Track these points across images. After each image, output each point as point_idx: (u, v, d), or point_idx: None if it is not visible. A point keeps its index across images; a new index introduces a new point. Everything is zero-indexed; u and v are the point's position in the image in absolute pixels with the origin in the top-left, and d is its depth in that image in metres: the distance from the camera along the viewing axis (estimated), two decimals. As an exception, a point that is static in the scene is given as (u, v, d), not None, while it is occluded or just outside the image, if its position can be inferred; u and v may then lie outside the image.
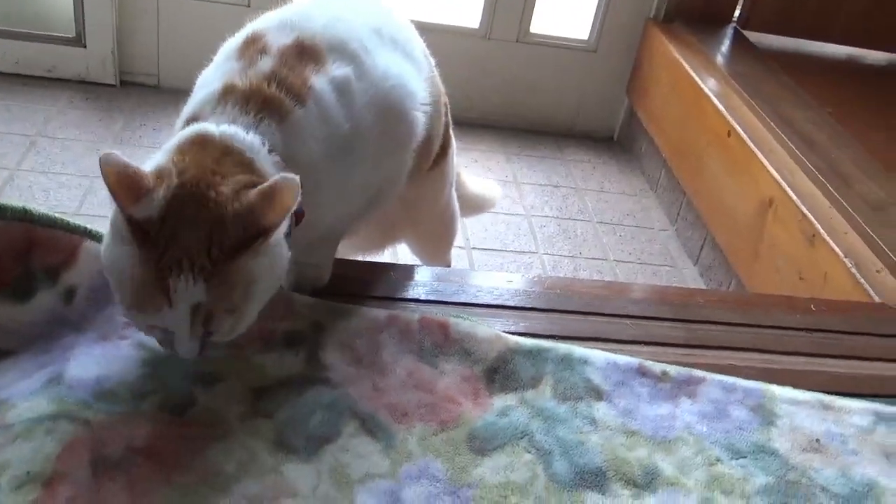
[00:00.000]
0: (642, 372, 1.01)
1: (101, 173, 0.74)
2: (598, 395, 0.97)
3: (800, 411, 0.99)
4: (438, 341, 0.99)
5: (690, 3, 2.39)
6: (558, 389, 0.96)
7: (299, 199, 0.77)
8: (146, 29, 2.30)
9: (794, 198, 1.60)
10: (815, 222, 1.52)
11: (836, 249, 1.45)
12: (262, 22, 0.97)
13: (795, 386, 1.05)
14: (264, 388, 0.89)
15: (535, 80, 2.51)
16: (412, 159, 1.05)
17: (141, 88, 2.34)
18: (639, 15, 2.44)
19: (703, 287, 1.97)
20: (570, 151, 2.47)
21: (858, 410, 1.01)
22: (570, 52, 2.51)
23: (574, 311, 1.14)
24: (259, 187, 0.77)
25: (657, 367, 1.02)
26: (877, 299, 1.34)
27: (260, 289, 0.80)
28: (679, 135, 2.17)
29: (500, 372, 0.97)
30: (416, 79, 1.05)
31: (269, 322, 0.95)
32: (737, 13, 2.44)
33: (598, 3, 2.45)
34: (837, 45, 2.55)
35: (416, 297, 1.10)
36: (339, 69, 0.93)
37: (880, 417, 1.01)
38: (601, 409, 0.95)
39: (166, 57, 2.33)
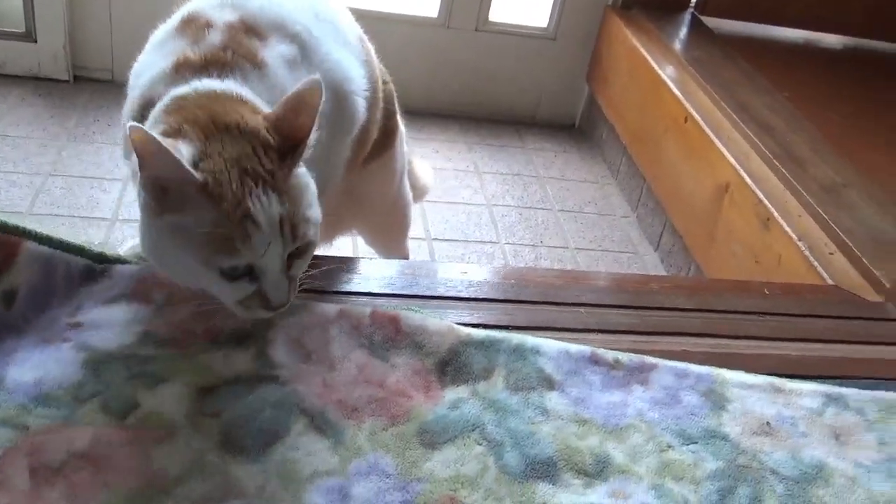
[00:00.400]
0: (595, 360, 1.01)
1: (141, 152, 0.73)
2: (551, 384, 0.97)
3: (751, 395, 1.00)
4: (389, 335, 0.98)
5: (648, -10, 2.39)
6: (510, 380, 0.96)
7: (324, 96, 0.80)
8: (98, 22, 2.26)
9: (749, 182, 1.61)
10: (770, 206, 1.53)
11: (790, 233, 1.47)
12: (197, 4, 0.96)
13: (747, 370, 1.05)
14: (211, 388, 0.87)
15: (496, 69, 2.50)
16: (349, 148, 1.05)
17: (95, 83, 2.30)
18: (597, 2, 2.44)
19: (664, 273, 1.98)
20: (531, 140, 2.47)
21: (808, 393, 1.02)
22: (530, 41, 2.50)
23: (528, 300, 1.13)
24: (283, 98, 0.81)
25: (610, 355, 1.02)
26: (829, 281, 1.36)
27: (315, 197, 0.84)
28: (638, 121, 2.18)
29: (451, 364, 0.96)
30: (356, 64, 1.04)
31: (216, 320, 0.94)
32: (694, -1, 2.44)
33: (557, -9, 2.45)
34: (794, 30, 2.57)
35: (368, 290, 1.09)
36: (284, 47, 0.93)
37: (830, 399, 1.02)
38: (553, 399, 0.94)
39: (120, 50, 2.29)
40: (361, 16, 1.14)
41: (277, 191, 0.78)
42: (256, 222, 0.77)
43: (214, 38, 0.90)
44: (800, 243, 1.44)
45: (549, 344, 1.02)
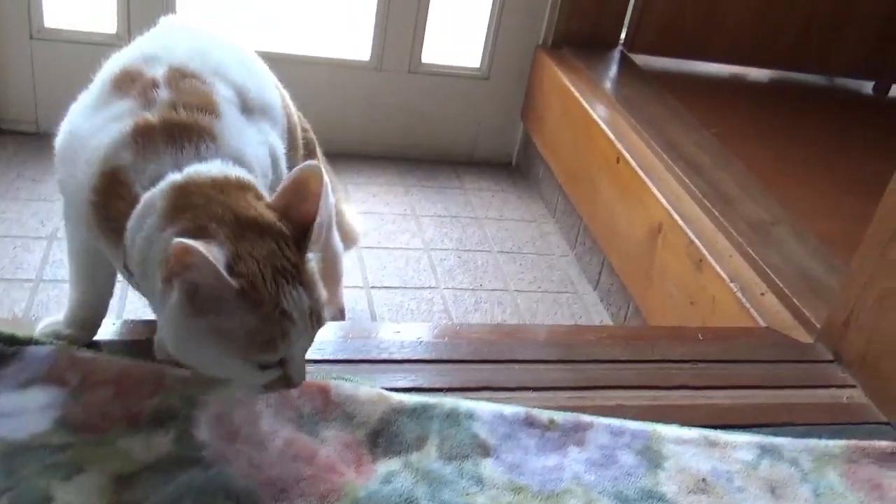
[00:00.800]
0: (529, 422, 1.00)
1: (181, 261, 0.72)
2: (486, 450, 0.95)
3: (686, 451, 1.00)
4: (318, 407, 0.96)
5: (578, 29, 2.43)
6: (444, 448, 0.94)
7: (326, 179, 0.81)
8: (20, 73, 2.20)
9: (681, 223, 1.62)
10: (701, 247, 1.55)
11: (722, 274, 1.48)
12: (125, 59, 0.94)
13: (682, 422, 1.05)
14: (130, 475, 0.84)
15: (431, 110, 2.51)
16: None
17: (19, 136, 2.24)
18: (528, 41, 2.46)
19: (604, 312, 1.98)
20: (468, 180, 2.47)
21: (743, 445, 1.02)
22: (464, 81, 2.51)
23: (462, 360, 1.12)
24: (284, 185, 0.81)
25: (544, 416, 1.01)
26: (762, 322, 1.37)
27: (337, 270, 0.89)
28: (573, 160, 2.19)
29: (383, 435, 0.94)
30: (280, 111, 1.05)
31: (134, 400, 0.91)
32: (622, 36, 2.48)
33: (488, 31, 2.46)
34: (721, 64, 2.63)
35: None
36: (228, 92, 0.93)
37: (764, 450, 1.02)
38: (488, 467, 0.93)
39: (44, 101, 2.23)
40: (293, 61, 1.13)
41: (303, 283, 0.79)
42: (292, 319, 0.77)
43: (163, 95, 0.88)
44: (731, 284, 1.45)
45: (482, 407, 1.00)
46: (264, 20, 2.56)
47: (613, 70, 2.36)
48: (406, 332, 1.17)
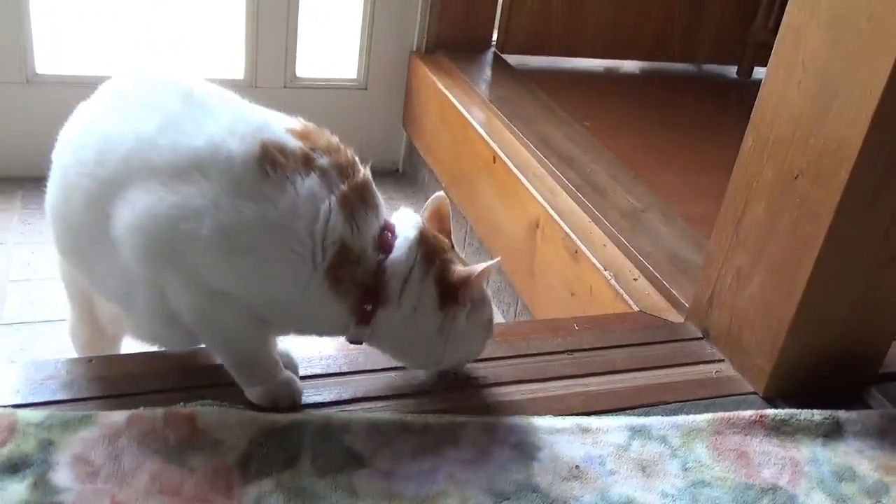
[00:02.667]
0: (404, 429, 1.00)
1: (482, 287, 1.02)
2: (360, 461, 0.94)
3: (559, 440, 1.02)
4: (185, 436, 0.93)
5: (450, 33, 2.45)
6: (317, 464, 0.93)
7: None
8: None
9: (556, 217, 1.66)
10: (577, 239, 1.58)
11: (596, 263, 1.52)
12: (259, 135, 0.89)
13: (556, 412, 1.07)
14: (-19, 529, 0.80)
15: (313, 122, 2.48)
16: None
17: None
18: (403, 48, 2.47)
19: (496, 310, 2.00)
20: (355, 190, 2.46)
21: (614, 428, 1.05)
22: (342, 92, 2.50)
23: (337, 372, 1.11)
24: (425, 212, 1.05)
25: (420, 421, 1.01)
26: (635, 307, 1.41)
27: None
28: (453, 163, 2.21)
29: (254, 457, 0.93)
30: None
31: (-15, 450, 0.87)
32: (494, 38, 2.52)
33: (361, 41, 2.46)
34: (593, 59, 2.70)
35: (163, 387, 1.03)
36: None
37: (635, 432, 1.05)
38: (362, 477, 0.92)
39: None
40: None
41: None
42: None
43: (323, 161, 0.91)
44: (606, 272, 1.49)
45: (356, 418, 1.00)
46: (137, 44, 2.51)
47: (487, 72, 2.39)
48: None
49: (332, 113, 2.51)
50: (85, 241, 0.96)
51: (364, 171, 0.95)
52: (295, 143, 0.91)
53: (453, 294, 0.97)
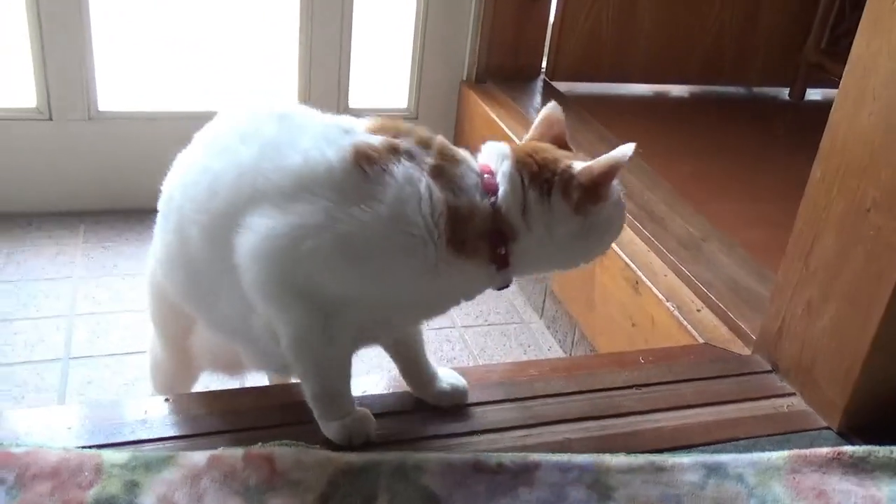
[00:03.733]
0: (478, 468, 1.00)
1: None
2: (436, 501, 0.95)
3: (634, 479, 1.01)
4: (265, 477, 0.94)
5: (500, 61, 2.47)
6: (395, 504, 0.94)
7: None
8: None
9: (615, 246, 1.65)
10: (636, 269, 1.58)
11: (658, 293, 1.51)
12: (346, 139, 0.93)
13: (629, 449, 1.07)
14: (73, 572, 0.82)
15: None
16: None
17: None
18: (453, 78, 2.49)
19: (551, 339, 2.00)
20: (407, 219, 2.48)
21: (689, 467, 1.04)
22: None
23: (408, 410, 1.12)
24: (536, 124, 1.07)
25: (492, 460, 1.01)
26: (700, 339, 1.40)
27: None
28: (506, 192, 2.22)
29: (333, 498, 0.93)
30: None
31: (74, 492, 0.89)
32: (544, 65, 2.53)
33: (412, 71, 2.49)
34: (642, 84, 2.69)
35: (240, 426, 1.05)
36: None
37: (710, 470, 1.04)
38: (440, 518, 0.93)
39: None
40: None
41: None
42: None
43: (406, 143, 0.94)
44: (668, 304, 1.48)
45: (430, 458, 1.00)
46: (195, 78, 2.57)
47: (537, 99, 2.40)
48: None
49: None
50: (205, 279, 0.99)
51: (437, 136, 0.97)
52: (377, 138, 0.93)
53: (588, 195, 0.95)
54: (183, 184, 0.99)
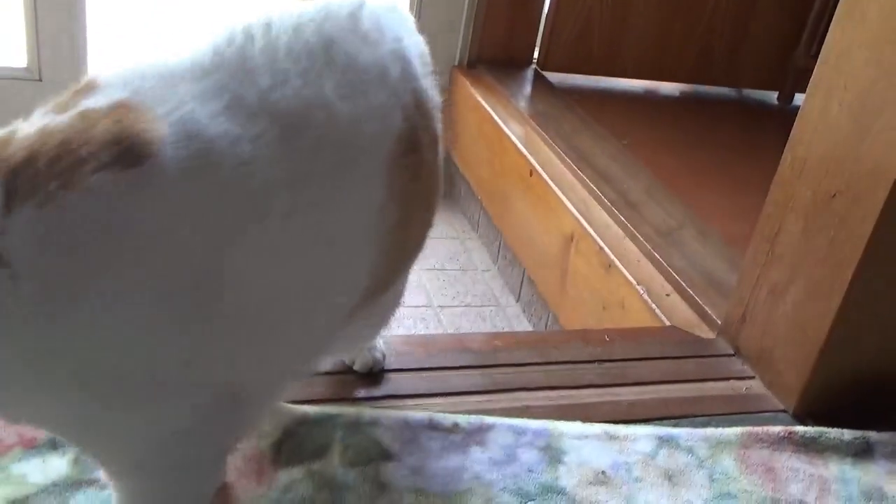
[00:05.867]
0: (433, 426, 1.01)
1: None
2: (388, 455, 0.96)
3: (586, 445, 1.02)
4: (220, 422, 0.95)
5: (492, 49, 2.48)
6: (347, 455, 0.95)
7: None
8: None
9: (591, 231, 1.67)
10: (610, 253, 1.59)
11: (630, 277, 1.52)
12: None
13: (585, 419, 1.08)
14: (24, 499, 0.83)
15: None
16: None
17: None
18: (446, 62, 2.50)
19: (526, 324, 2.01)
20: (391, 200, 2.48)
21: (642, 437, 1.05)
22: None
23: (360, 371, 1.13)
24: None
25: (448, 420, 1.02)
26: (667, 322, 1.41)
27: None
28: (489, 176, 2.23)
29: (286, 444, 0.95)
30: None
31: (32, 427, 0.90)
32: (535, 55, 2.54)
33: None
34: (633, 80, 2.71)
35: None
36: None
37: (662, 441, 1.05)
38: (390, 470, 0.94)
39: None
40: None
41: None
42: None
43: None
44: (638, 287, 1.49)
45: (387, 414, 1.01)
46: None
47: (527, 88, 2.41)
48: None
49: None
50: None
51: None
52: None
53: None
54: None
